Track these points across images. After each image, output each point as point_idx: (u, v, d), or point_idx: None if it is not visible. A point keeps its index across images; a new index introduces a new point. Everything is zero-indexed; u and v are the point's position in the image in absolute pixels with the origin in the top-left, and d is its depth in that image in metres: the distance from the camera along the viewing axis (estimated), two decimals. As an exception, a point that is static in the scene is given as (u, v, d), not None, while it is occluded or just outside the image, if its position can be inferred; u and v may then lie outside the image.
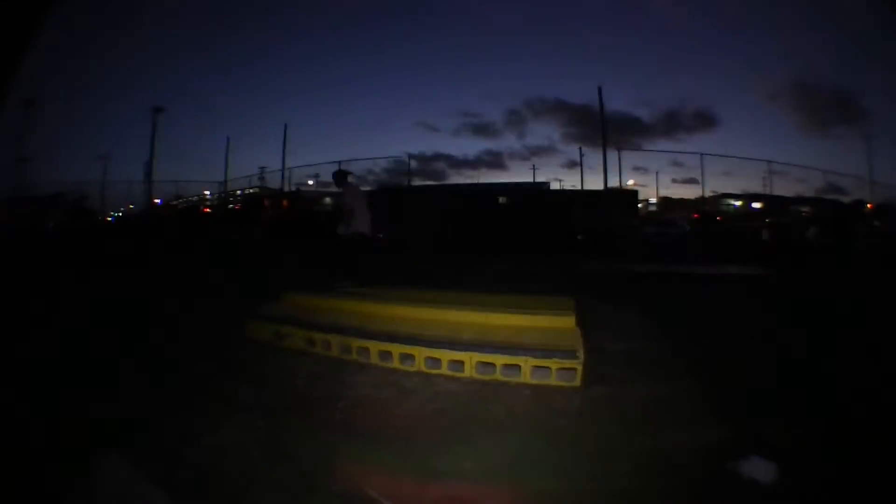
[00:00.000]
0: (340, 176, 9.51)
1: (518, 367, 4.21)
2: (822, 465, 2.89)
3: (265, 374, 4.60)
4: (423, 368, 4.48)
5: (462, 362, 4.36)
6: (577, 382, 4.10)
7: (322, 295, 6.44)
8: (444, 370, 4.41)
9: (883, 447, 3.06)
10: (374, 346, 4.70)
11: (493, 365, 4.28)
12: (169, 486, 2.76)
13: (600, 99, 25.72)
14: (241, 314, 5.93)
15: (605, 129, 25.52)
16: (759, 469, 2.78)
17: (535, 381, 4.16)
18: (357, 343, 4.81)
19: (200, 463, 3.03)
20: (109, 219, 30.95)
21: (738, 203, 29.89)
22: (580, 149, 38.10)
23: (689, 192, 30.86)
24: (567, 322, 4.92)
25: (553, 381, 4.14)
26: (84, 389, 4.15)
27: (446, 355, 4.41)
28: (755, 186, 28.46)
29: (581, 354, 4.13)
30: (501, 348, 4.33)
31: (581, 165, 30.74)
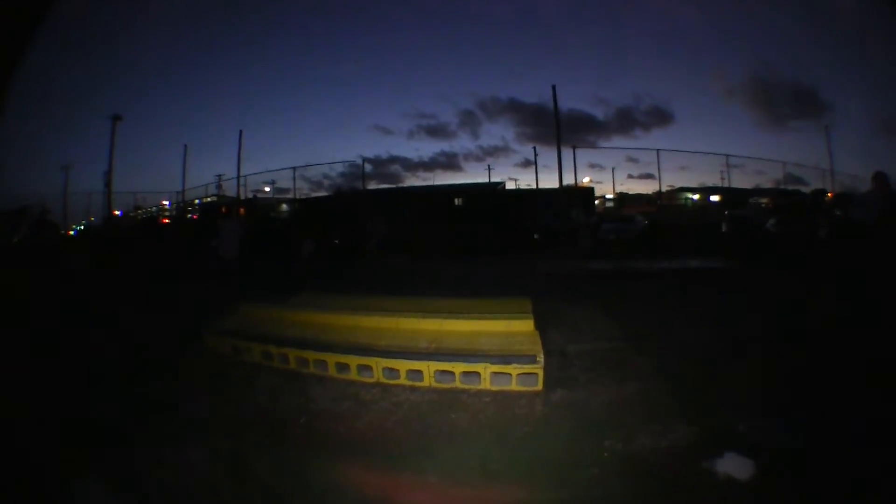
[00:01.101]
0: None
1: (478, 374, 4.18)
2: (795, 463, 2.90)
3: (225, 390, 4.47)
4: (382, 379, 4.40)
5: (420, 372, 4.29)
6: (539, 387, 4.08)
7: (278, 306, 6.27)
8: (403, 380, 4.33)
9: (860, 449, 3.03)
10: (332, 359, 4.59)
11: (452, 373, 4.24)
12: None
13: (554, 98, 25.71)
14: (199, 327, 5.72)
15: (559, 129, 25.53)
16: (733, 467, 2.79)
17: (495, 388, 4.13)
18: (314, 356, 4.68)
19: (167, 485, 2.95)
20: (72, 232, 29.94)
21: (696, 197, 30.18)
22: (534, 148, 38.23)
23: (646, 187, 31.12)
24: (525, 325, 4.89)
25: (514, 386, 4.11)
26: (45, 409, 3.98)
27: (404, 365, 4.34)
28: (712, 180, 28.77)
29: (541, 359, 4.11)
30: (459, 356, 4.29)
31: (536, 164, 30.82)
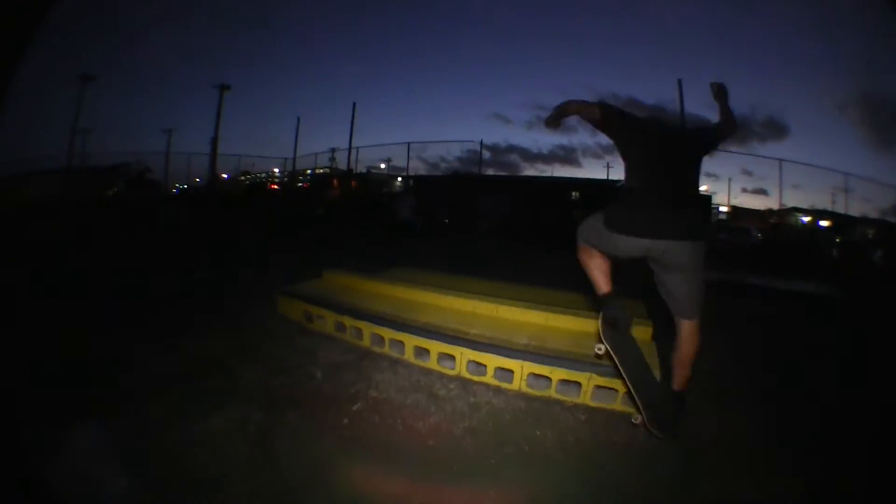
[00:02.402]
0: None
1: (578, 384, 3.51)
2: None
3: (283, 358, 4.12)
4: (464, 373, 3.85)
5: (512, 372, 3.68)
6: (647, 410, 3.36)
7: (364, 276, 5.85)
8: (489, 378, 3.75)
9: None
10: (411, 340, 4.10)
11: (548, 379, 3.59)
12: (134, 472, 2.42)
13: (680, 93, 24.14)
14: (278, 290, 5.53)
15: (684, 124, 24.15)
16: None
17: (595, 404, 3.47)
18: (391, 334, 4.23)
19: (176, 452, 2.63)
20: (174, 190, 31.92)
21: (807, 219, 28.47)
22: (655, 146, 36.65)
23: (758, 203, 29.85)
24: (641, 332, 4.07)
25: (618, 405, 3.43)
26: (100, 357, 3.89)
27: (494, 361, 3.74)
28: (822, 201, 27.39)
29: (656, 376, 3.36)
30: (561, 359, 3.61)
31: (655, 165, 29.62)
